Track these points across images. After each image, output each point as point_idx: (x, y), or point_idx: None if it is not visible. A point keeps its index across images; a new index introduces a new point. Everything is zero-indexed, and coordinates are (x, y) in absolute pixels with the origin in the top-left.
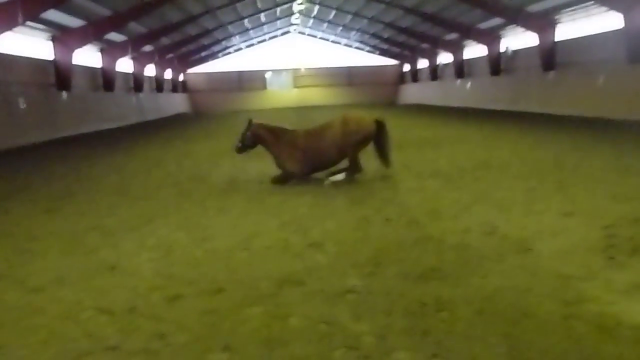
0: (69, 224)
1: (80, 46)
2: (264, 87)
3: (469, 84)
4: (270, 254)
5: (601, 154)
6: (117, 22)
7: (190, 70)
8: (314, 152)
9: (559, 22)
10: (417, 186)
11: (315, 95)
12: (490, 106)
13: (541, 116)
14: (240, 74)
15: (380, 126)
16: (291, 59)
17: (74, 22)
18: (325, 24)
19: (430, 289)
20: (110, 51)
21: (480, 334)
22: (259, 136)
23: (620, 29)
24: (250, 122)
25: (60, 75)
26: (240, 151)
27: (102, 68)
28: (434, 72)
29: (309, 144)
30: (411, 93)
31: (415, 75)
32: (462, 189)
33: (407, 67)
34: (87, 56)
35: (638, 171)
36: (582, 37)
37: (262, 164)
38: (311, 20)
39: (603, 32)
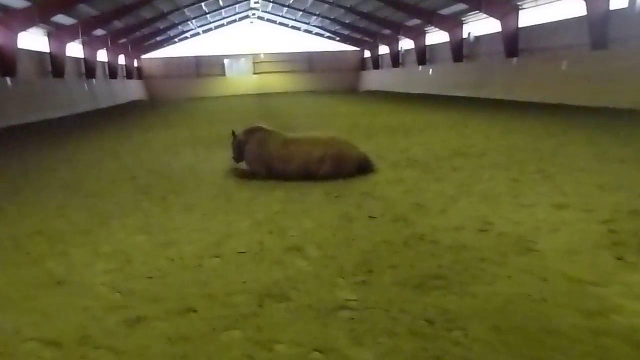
0: (9, 227)
1: (25, 29)
2: (223, 73)
3: (431, 71)
4: (245, 261)
5: (575, 140)
6: (65, 3)
7: (145, 56)
8: (283, 160)
9: (522, 8)
10: (395, 177)
11: (276, 82)
12: (454, 92)
13: (506, 103)
14: (197, 59)
15: (364, 163)
16: (250, 45)
17: (17, 2)
18: (285, 9)
19: (433, 300)
20: (59, 35)
21: (504, 359)
22: (241, 142)
23: (583, 16)
24: (234, 134)
25: (3, 60)
26: (237, 161)
27: (50, 53)
28: (396, 59)
29: (281, 151)
30: (372, 79)
31: (376, 61)
32: (442, 179)
33: (368, 54)
34: (34, 40)
35: (617, 158)
36: (545, 24)
37: (226, 154)
38: (270, 5)
39: (566, 19)
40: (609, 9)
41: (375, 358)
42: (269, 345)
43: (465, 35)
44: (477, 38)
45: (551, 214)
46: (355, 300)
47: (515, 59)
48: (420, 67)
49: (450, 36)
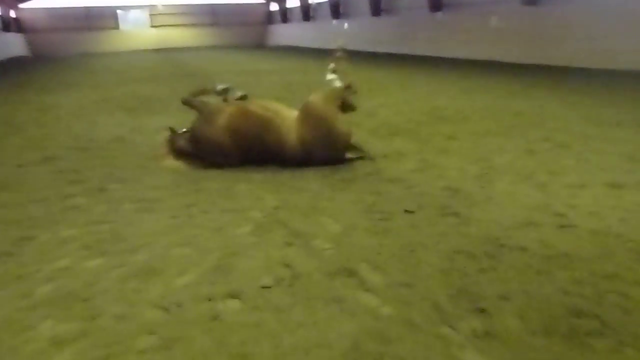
0: None
1: None
2: (117, 26)
3: (346, 25)
4: (284, 306)
5: (548, 101)
6: None
7: (24, 5)
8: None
9: None
10: (389, 149)
11: (177, 36)
12: (372, 48)
13: (432, 59)
14: (87, 10)
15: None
16: None
17: None
18: None
19: None
20: None
21: None
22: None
23: None
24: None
25: None
26: None
27: None
28: (307, 12)
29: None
30: (281, 34)
31: (284, 15)
32: (448, 152)
33: (275, 7)
34: None
35: (612, 121)
36: None
37: (158, 120)
38: None
39: None
40: None
41: None
42: None
43: None
44: None
45: (618, 197)
46: None
47: (440, 13)
48: (334, 21)
49: None
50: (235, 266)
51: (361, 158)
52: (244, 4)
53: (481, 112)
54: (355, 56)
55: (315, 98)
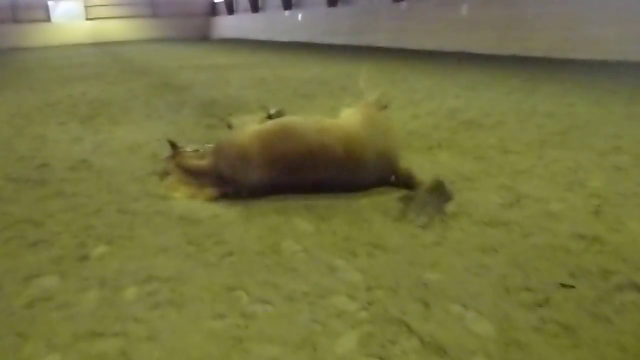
0: None
1: None
2: (48, 18)
3: (300, 16)
4: None
5: (565, 98)
6: None
7: None
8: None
9: None
10: (444, 171)
11: (114, 29)
12: (328, 40)
13: (398, 50)
14: (14, 0)
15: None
16: None
17: None
18: None
19: None
20: None
21: None
22: None
23: None
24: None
25: None
26: None
27: None
28: (255, 3)
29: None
30: (227, 26)
31: (230, 6)
32: (523, 173)
33: None
34: None
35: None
36: None
37: (129, 131)
38: None
39: None
40: None
41: None
42: None
43: None
44: None
45: None
46: None
47: (404, 2)
48: (286, 12)
49: None
50: None
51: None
52: None
53: (508, 115)
54: (319, 48)
55: (363, 106)
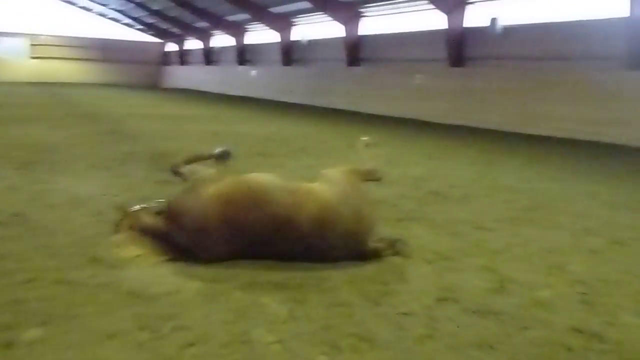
0: None
1: None
2: None
3: (254, 72)
4: None
5: (523, 172)
6: None
7: None
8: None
9: (364, 16)
10: (417, 246)
11: (61, 70)
12: (282, 98)
13: (353, 114)
14: None
15: None
16: (26, 22)
17: None
18: None
19: None
20: None
21: None
22: None
23: (442, 30)
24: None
25: None
26: None
27: None
28: (209, 55)
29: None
30: (179, 76)
31: (182, 56)
32: (499, 253)
33: (173, 47)
34: None
35: (606, 200)
36: (396, 34)
37: (73, 179)
38: None
39: (420, 31)
40: (463, 27)
41: None
42: None
43: (296, 38)
44: (312, 42)
45: None
46: None
47: (359, 67)
48: (240, 67)
49: (280, 37)
50: None
51: (396, 254)
52: (137, 41)
53: (472, 187)
54: (275, 105)
55: (338, 170)
